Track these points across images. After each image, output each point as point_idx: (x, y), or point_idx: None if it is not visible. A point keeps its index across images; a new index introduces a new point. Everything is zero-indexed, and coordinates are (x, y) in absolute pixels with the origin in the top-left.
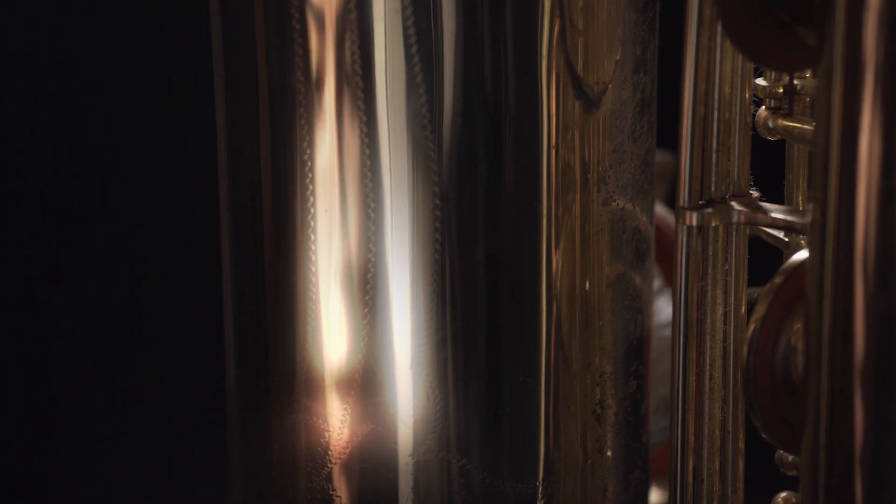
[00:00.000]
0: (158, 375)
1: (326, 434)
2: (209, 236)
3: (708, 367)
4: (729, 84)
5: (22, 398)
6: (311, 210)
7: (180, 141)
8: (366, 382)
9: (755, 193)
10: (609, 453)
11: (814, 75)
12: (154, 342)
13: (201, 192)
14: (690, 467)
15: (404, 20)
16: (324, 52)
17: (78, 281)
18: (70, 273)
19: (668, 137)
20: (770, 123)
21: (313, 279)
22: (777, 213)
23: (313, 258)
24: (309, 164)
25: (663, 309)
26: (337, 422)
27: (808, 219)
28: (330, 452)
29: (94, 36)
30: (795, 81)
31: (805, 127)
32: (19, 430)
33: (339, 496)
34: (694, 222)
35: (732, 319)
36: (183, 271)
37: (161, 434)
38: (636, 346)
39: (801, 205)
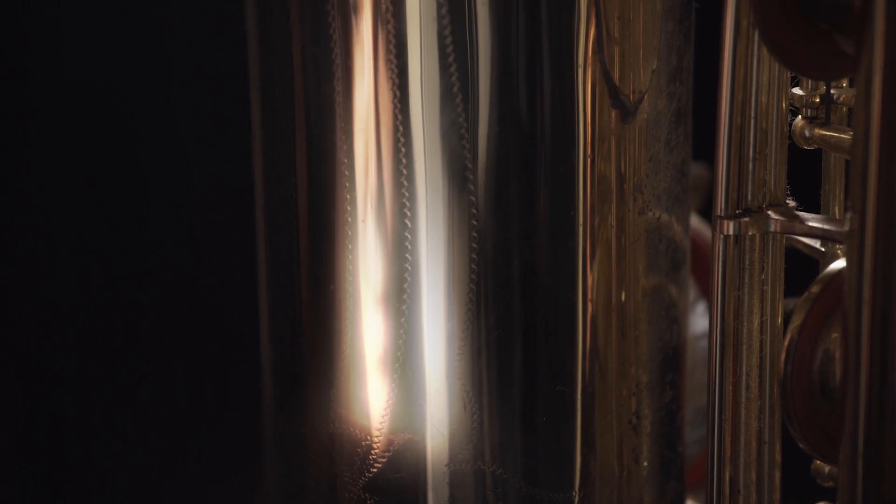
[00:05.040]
0: (189, 384)
1: (363, 444)
2: (242, 244)
3: (744, 377)
4: (766, 93)
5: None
6: (349, 219)
7: (204, 148)
8: (402, 392)
9: (792, 203)
10: (645, 463)
11: (851, 84)
12: (176, 349)
13: (235, 200)
14: (727, 478)
15: (440, 29)
16: (361, 61)
17: (97, 286)
18: (92, 277)
19: (703, 148)
20: (807, 132)
21: (350, 288)
22: (813, 222)
23: (350, 267)
24: (347, 173)
25: (697, 321)
26: (374, 431)
27: (845, 228)
28: (366, 462)
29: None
30: (832, 90)
31: (842, 136)
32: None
33: None
34: (731, 231)
35: (769, 329)
36: (212, 277)
37: (185, 443)
38: (672, 356)
39: (837, 214)
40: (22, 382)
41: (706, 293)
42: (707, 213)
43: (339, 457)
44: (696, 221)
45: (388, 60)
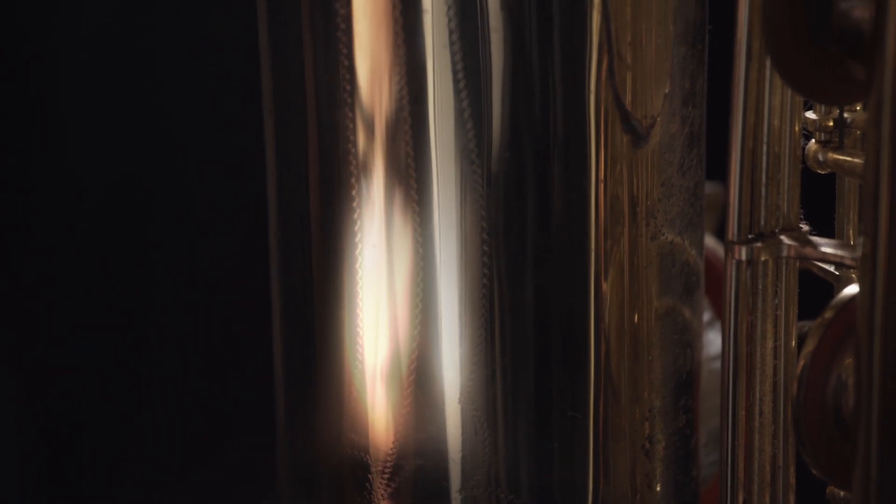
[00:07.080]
0: (212, 414)
1: (374, 470)
2: (256, 265)
3: (758, 402)
4: (778, 117)
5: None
6: (359, 245)
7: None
8: (413, 417)
9: (805, 227)
10: (658, 488)
11: (864, 109)
12: (188, 372)
13: (249, 222)
14: (741, 502)
15: (452, 55)
16: (372, 86)
17: (117, 309)
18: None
19: (717, 170)
20: (820, 157)
21: (361, 314)
22: (827, 247)
23: (361, 293)
24: (357, 198)
25: (713, 341)
26: (385, 457)
27: (858, 253)
28: (378, 489)
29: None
30: (846, 115)
31: (856, 160)
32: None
33: None
34: (743, 256)
35: (782, 354)
36: (226, 299)
37: (204, 465)
38: (685, 381)
39: (852, 239)
40: (36, 388)
41: (721, 314)
42: (722, 233)
43: (349, 483)
44: (710, 242)
45: (400, 86)
